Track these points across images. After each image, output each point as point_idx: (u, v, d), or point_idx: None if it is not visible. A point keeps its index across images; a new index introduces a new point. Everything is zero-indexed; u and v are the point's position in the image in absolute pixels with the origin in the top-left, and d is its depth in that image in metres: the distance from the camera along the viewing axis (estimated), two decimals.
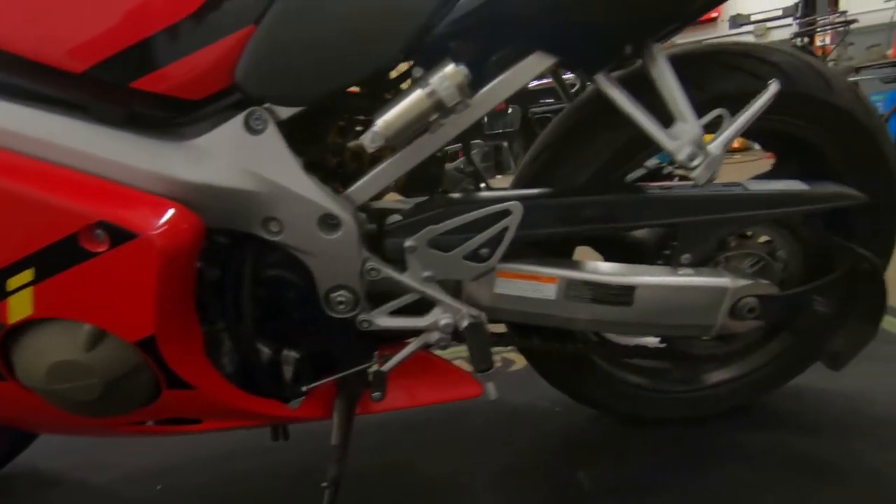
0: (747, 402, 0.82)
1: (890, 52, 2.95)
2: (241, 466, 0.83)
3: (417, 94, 0.51)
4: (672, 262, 0.64)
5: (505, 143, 4.42)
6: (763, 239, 0.69)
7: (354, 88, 0.58)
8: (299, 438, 0.72)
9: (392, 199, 0.68)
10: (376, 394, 0.61)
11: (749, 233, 0.69)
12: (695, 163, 0.52)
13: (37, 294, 0.46)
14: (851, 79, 3.18)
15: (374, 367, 0.63)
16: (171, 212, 0.47)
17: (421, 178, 0.64)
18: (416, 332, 0.62)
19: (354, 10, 0.49)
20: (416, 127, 0.53)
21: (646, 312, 0.62)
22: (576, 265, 0.63)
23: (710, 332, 0.64)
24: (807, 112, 0.63)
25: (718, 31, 4.74)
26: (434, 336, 0.61)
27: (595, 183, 0.63)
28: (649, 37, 0.53)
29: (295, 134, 0.55)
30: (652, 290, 0.61)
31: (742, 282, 0.62)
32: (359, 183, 0.57)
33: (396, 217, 0.59)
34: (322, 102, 0.53)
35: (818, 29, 3.48)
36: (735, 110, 0.57)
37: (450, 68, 0.50)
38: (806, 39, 3.65)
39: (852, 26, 3.33)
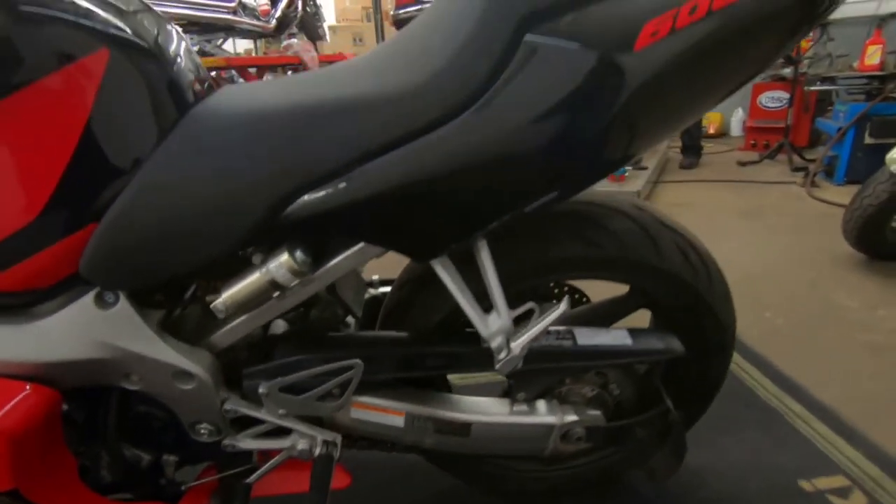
0: (608, 479, 0.92)
1: (857, 64, 2.92)
2: None
3: (256, 277, 0.56)
4: (510, 396, 0.72)
5: None
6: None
7: None
8: None
9: None
10: None
11: None
12: (500, 356, 0.58)
13: None
14: (819, 88, 3.17)
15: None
16: (21, 393, 0.53)
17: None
18: None
19: (190, 212, 0.52)
20: (259, 299, 0.59)
21: (482, 443, 0.71)
22: (423, 399, 0.70)
23: (543, 455, 0.74)
24: (638, 275, 0.69)
25: None
26: (295, 453, 0.69)
27: (441, 330, 0.69)
28: (477, 233, 0.57)
29: (150, 296, 0.59)
30: (486, 426, 0.70)
31: (569, 417, 0.71)
32: (217, 333, 0.63)
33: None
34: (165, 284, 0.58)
35: None
36: (577, 276, 0.63)
37: (284, 257, 0.55)
38: None
39: (833, 20, 3.27)
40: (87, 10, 0.51)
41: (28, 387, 0.54)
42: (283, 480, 0.76)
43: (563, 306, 0.58)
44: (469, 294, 0.59)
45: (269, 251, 0.57)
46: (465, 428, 0.69)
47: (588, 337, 0.69)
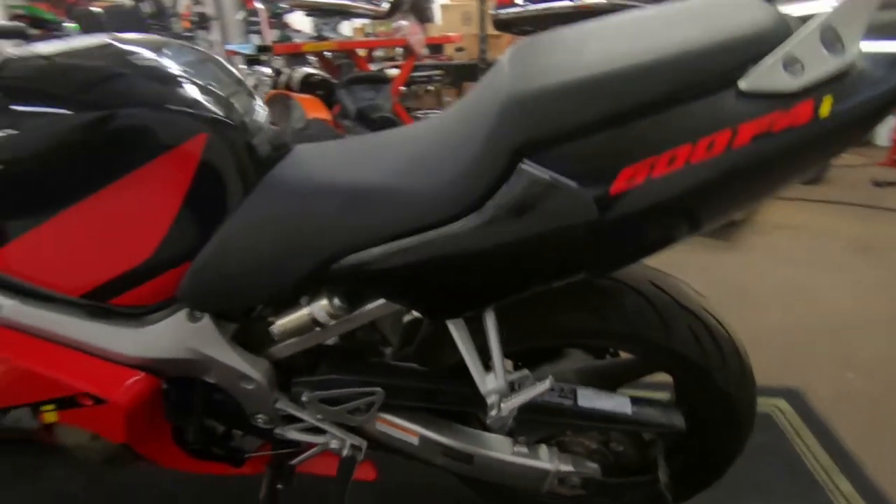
0: None
1: None
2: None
3: (302, 314, 0.70)
4: (513, 437, 0.80)
5: None
6: None
7: None
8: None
9: None
10: (279, 486, 0.87)
11: None
12: (491, 413, 0.66)
13: (59, 414, 0.74)
14: None
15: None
16: (134, 378, 0.72)
17: None
18: None
19: (258, 260, 0.66)
20: (303, 330, 0.72)
21: (483, 472, 0.80)
22: (435, 426, 0.81)
23: (540, 492, 0.81)
24: (644, 351, 0.72)
25: None
26: (328, 448, 0.84)
27: (462, 370, 0.78)
28: (491, 305, 0.65)
29: (227, 314, 0.75)
30: (487, 460, 0.79)
31: (566, 467, 0.77)
32: (274, 349, 0.78)
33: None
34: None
35: None
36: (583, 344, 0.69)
37: (324, 301, 0.68)
38: None
39: None
40: (194, 100, 0.65)
41: (139, 374, 0.73)
42: (321, 463, 0.92)
43: (547, 383, 0.64)
44: (474, 352, 0.68)
45: (314, 294, 0.69)
46: (468, 458, 0.79)
47: (589, 399, 0.74)
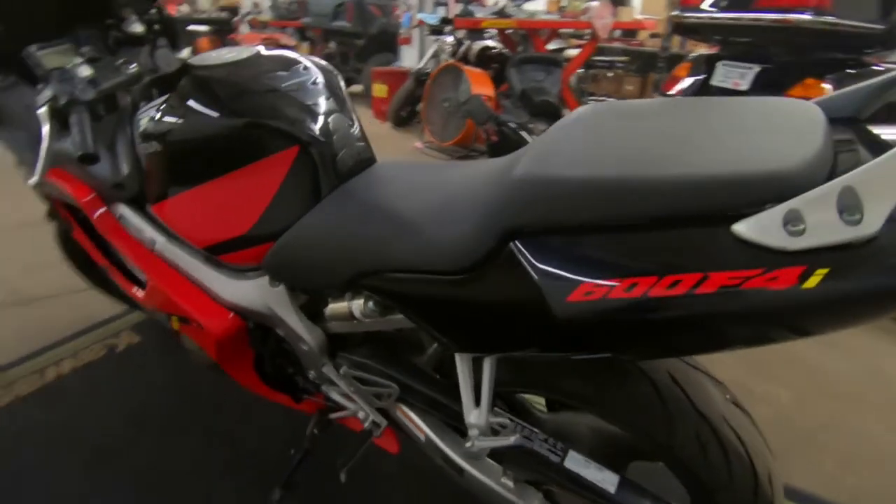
0: None
1: None
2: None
3: (343, 305, 0.82)
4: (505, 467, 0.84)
5: None
6: None
7: None
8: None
9: None
10: (316, 431, 1.04)
11: None
12: (467, 444, 0.72)
13: (181, 326, 1.00)
14: None
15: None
16: (227, 317, 0.93)
17: None
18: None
19: (318, 255, 0.80)
20: (344, 318, 0.85)
21: (470, 487, 0.87)
22: (440, 431, 0.89)
23: None
24: (650, 445, 0.70)
25: None
26: (357, 416, 0.99)
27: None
28: (482, 352, 0.70)
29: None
30: (475, 479, 0.85)
31: None
32: (332, 323, 0.93)
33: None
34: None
35: None
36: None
37: (360, 301, 0.79)
38: None
39: None
40: (296, 119, 0.80)
41: (230, 315, 0.94)
42: (354, 422, 1.07)
43: (511, 439, 0.68)
44: (469, 386, 0.73)
45: (356, 294, 0.81)
46: (460, 470, 0.86)
47: (577, 463, 0.75)
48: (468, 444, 0.72)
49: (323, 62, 0.94)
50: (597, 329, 0.49)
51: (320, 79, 0.88)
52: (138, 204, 0.97)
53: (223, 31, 7.95)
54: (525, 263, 0.52)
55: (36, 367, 1.51)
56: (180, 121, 0.83)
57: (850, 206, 0.38)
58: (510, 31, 4.15)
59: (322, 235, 0.79)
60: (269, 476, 1.19)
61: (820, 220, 0.39)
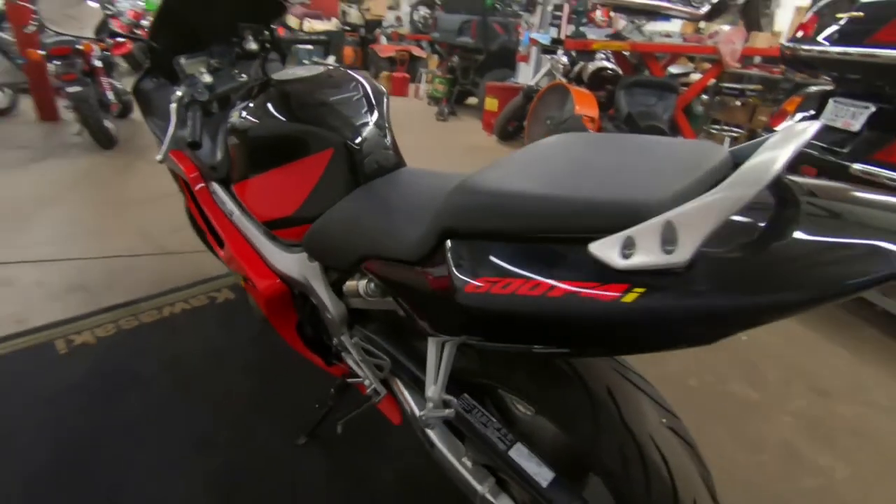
0: None
1: None
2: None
3: (353, 284, 0.99)
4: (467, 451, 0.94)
5: None
6: None
7: None
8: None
9: None
10: (332, 390, 1.22)
11: None
12: (421, 413, 0.82)
13: (246, 284, 1.24)
14: None
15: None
16: (272, 282, 1.15)
17: None
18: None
19: (339, 240, 0.97)
20: (356, 297, 1.01)
21: (438, 460, 0.97)
22: (418, 405, 1.00)
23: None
24: (579, 445, 0.75)
25: None
26: (364, 383, 1.15)
27: None
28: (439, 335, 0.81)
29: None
30: (441, 454, 0.95)
31: (490, 498, 0.88)
32: (351, 300, 1.10)
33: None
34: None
35: None
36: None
37: (364, 281, 0.95)
38: None
39: None
40: (336, 126, 0.98)
41: (277, 280, 1.16)
42: (362, 386, 1.23)
43: (448, 412, 0.77)
44: (433, 365, 0.85)
45: (363, 274, 0.97)
46: (432, 444, 0.97)
47: (520, 455, 0.82)
48: (420, 413, 0.84)
49: (375, 82, 1.12)
50: (484, 318, 0.59)
51: (365, 95, 1.06)
52: (225, 183, 1.24)
53: (366, 41, 8.79)
54: (449, 258, 0.63)
55: (157, 305, 1.92)
56: (256, 121, 1.06)
57: (669, 238, 0.44)
58: (627, 53, 4.07)
59: (341, 223, 0.97)
60: (301, 422, 1.40)
61: (645, 247, 0.45)
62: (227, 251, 1.25)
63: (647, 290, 0.45)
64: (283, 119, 1.02)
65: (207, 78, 1.21)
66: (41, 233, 2.44)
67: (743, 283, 0.42)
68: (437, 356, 0.85)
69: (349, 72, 1.12)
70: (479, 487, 0.90)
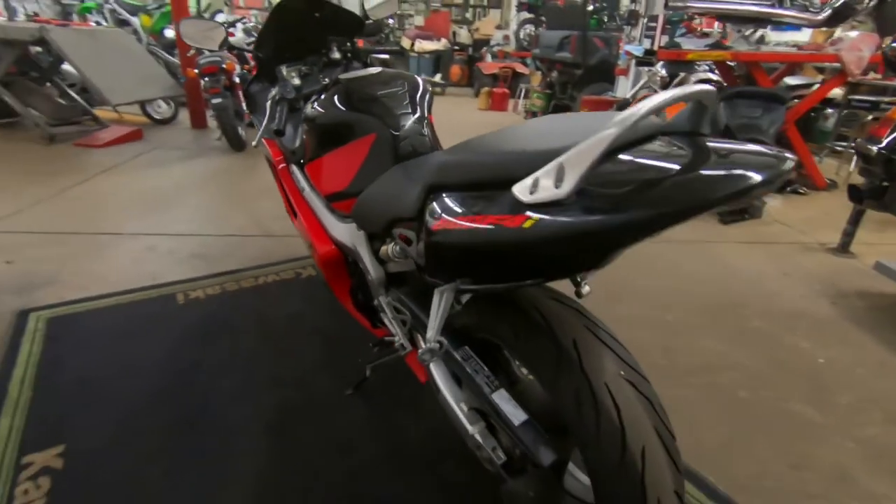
0: None
1: None
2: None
3: (385, 248, 1.17)
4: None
5: None
6: None
7: None
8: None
9: None
10: (370, 344, 1.40)
11: None
12: (418, 349, 0.96)
13: (310, 248, 1.49)
14: None
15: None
16: (329, 248, 1.37)
17: None
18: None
19: (375, 208, 1.16)
20: (385, 260, 1.19)
21: (442, 406, 1.10)
22: (436, 366, 1.14)
23: (469, 447, 1.06)
24: (546, 389, 0.85)
25: None
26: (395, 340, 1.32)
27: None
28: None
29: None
30: (444, 399, 1.08)
31: (479, 438, 1.00)
32: (390, 265, 1.28)
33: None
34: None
35: None
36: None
37: (392, 244, 1.13)
38: None
39: None
40: (380, 115, 1.18)
41: (332, 246, 1.38)
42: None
43: (436, 346, 0.90)
44: (436, 312, 0.99)
45: (392, 239, 1.14)
46: (438, 390, 1.11)
47: (501, 397, 0.93)
48: (420, 350, 0.99)
49: (420, 80, 1.31)
50: (447, 249, 0.73)
51: (409, 91, 1.25)
52: (300, 165, 1.51)
53: (472, 59, 9.18)
54: (427, 209, 0.78)
55: (255, 275, 2.28)
56: (322, 111, 1.30)
57: (559, 177, 0.55)
58: (732, 64, 3.87)
59: (377, 195, 1.16)
60: (350, 378, 1.61)
61: (544, 185, 0.57)
62: (298, 221, 1.51)
63: (539, 219, 0.57)
64: (341, 109, 1.24)
65: (297, 81, 1.49)
66: (180, 214, 2.99)
67: (611, 206, 0.52)
68: (438, 305, 0.99)
69: (400, 71, 1.32)
70: (470, 428, 1.01)
